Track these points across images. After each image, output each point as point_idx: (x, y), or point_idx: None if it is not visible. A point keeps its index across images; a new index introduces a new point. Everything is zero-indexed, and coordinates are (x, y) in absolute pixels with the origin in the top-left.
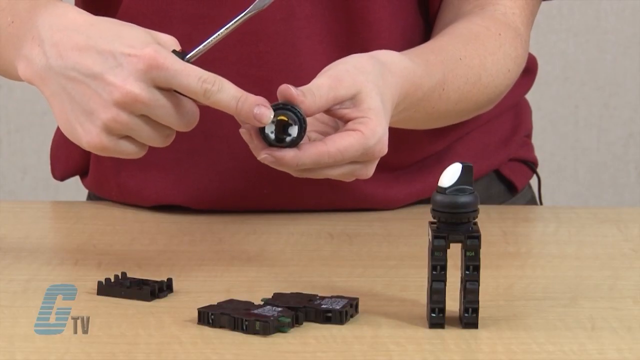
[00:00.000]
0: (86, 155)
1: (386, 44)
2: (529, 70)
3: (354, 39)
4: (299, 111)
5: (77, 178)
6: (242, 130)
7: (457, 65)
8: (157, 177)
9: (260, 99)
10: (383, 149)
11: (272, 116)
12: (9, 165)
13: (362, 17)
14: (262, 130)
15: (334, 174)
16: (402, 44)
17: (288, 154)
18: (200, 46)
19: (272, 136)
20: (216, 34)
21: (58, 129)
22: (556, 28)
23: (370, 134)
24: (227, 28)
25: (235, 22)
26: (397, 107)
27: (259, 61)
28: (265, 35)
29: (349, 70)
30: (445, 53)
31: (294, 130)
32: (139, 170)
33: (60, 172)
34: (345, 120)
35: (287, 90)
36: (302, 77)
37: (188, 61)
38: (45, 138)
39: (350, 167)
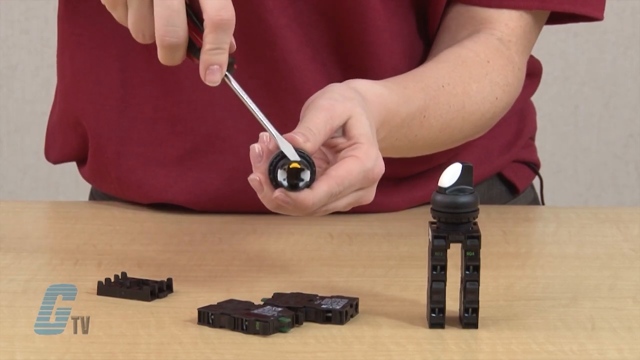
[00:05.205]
0: (83, 141)
1: (387, 66)
2: (534, 73)
3: (352, 57)
4: (305, 154)
5: (77, 178)
6: (251, 177)
7: (439, 92)
8: (158, 173)
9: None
10: (381, 170)
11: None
12: (9, 165)
13: (361, 38)
14: (274, 178)
15: (341, 204)
16: (404, 65)
17: (303, 194)
18: (237, 88)
19: (285, 183)
20: (248, 101)
21: (53, 108)
22: (556, 28)
23: (365, 157)
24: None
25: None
26: (377, 134)
27: (264, 66)
28: (270, 41)
29: (337, 99)
30: (427, 80)
31: (306, 175)
32: (140, 165)
33: (55, 156)
34: (337, 150)
35: (293, 140)
36: (303, 86)
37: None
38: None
39: (354, 195)
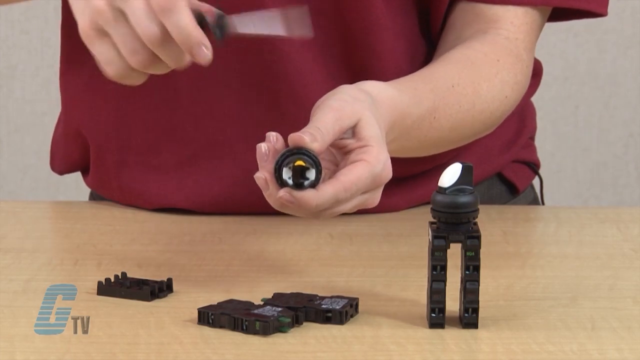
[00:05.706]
0: (85, 152)
1: (389, 65)
2: (534, 73)
3: (354, 57)
4: (311, 153)
5: (77, 177)
6: (257, 175)
7: (449, 92)
8: (158, 180)
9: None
10: (389, 174)
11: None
12: (9, 165)
13: (363, 38)
14: (279, 176)
15: (347, 207)
16: (406, 64)
17: (307, 194)
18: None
19: (290, 182)
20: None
21: (59, 120)
22: (556, 28)
23: (375, 161)
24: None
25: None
26: (387, 136)
27: (263, 70)
28: (270, 42)
29: (347, 100)
30: (436, 81)
31: (311, 174)
32: (140, 173)
33: (59, 167)
34: (347, 151)
35: (300, 139)
36: (304, 90)
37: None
38: (45, 138)
39: (361, 198)
